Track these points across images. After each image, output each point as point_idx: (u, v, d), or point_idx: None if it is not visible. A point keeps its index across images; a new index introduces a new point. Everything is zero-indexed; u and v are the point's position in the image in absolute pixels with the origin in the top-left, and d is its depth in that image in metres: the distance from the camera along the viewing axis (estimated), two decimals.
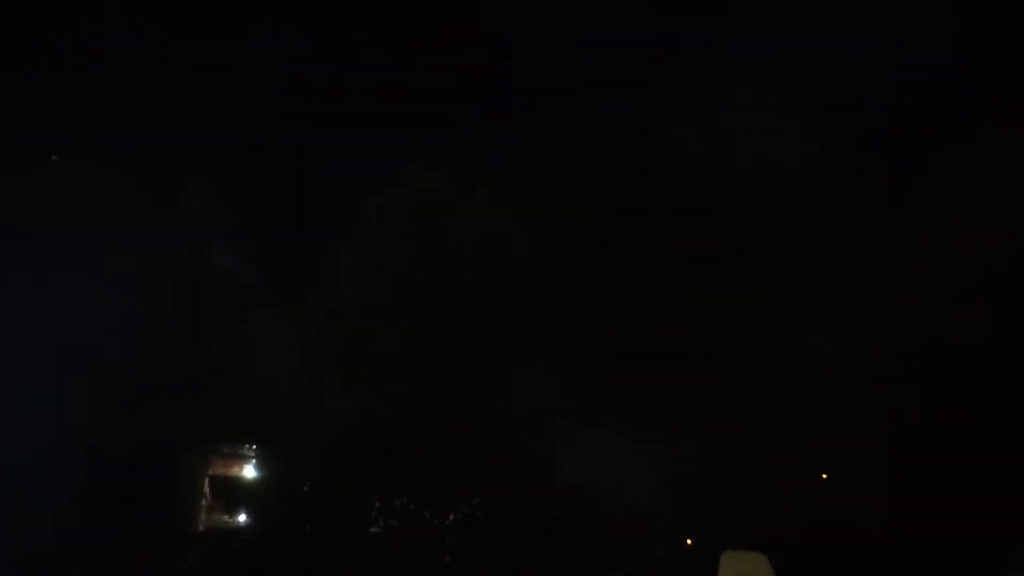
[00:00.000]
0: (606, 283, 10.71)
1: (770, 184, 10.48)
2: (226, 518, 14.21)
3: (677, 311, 9.65)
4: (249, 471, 16.69)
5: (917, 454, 8.76)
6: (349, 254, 11.74)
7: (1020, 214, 8.92)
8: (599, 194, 11.09)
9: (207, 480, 17.64)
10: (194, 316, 14.21)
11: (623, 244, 10.68)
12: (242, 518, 12.26)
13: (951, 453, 8.58)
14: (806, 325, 9.50)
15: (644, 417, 9.49)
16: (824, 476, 9.31)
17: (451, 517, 11.54)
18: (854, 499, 8.85)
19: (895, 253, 9.58)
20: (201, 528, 16.85)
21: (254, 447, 16.00)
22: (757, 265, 9.84)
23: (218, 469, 17.87)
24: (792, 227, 9.86)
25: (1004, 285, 8.76)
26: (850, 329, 9.30)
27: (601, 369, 9.95)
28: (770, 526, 7.75)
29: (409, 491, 11.46)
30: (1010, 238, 8.89)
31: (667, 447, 9.21)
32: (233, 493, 13.63)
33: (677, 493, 9.23)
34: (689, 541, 9.42)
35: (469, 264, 11.35)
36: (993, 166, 9.23)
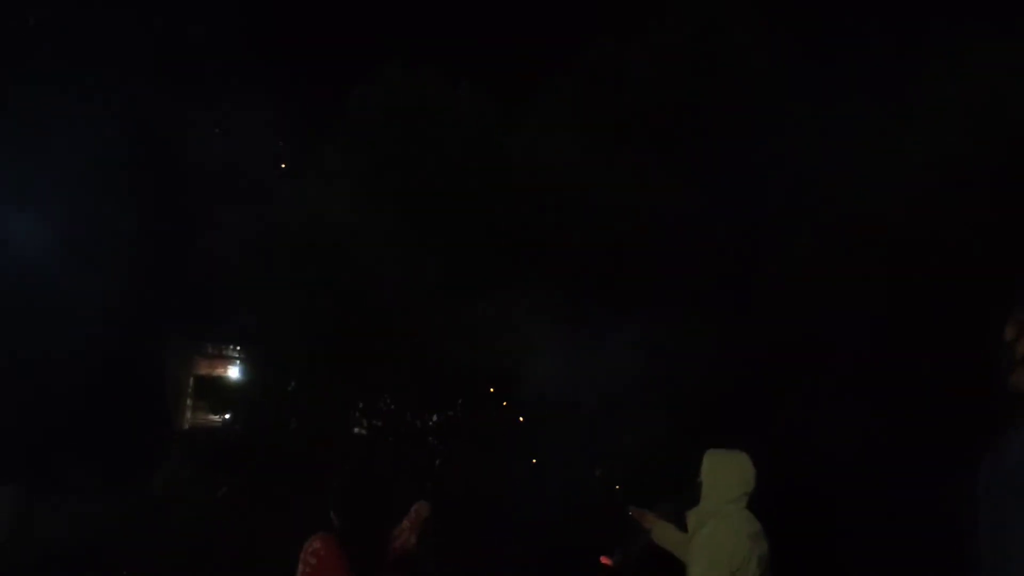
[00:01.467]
0: (593, 188, 10.64)
1: (755, 78, 10.37)
2: (211, 417, 14.37)
3: (662, 214, 9.61)
4: (233, 372, 16.84)
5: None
6: (331, 153, 11.64)
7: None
8: (586, 96, 10.96)
9: (191, 380, 17.81)
10: (178, 214, 14.16)
11: (612, 147, 10.59)
12: (227, 417, 12.36)
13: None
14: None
15: (628, 320, 9.54)
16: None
17: (434, 419, 11.67)
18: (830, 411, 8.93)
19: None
20: (186, 427, 17.08)
21: (238, 348, 16.12)
22: (744, 162, 9.76)
23: (203, 369, 18.03)
24: (778, 126, 9.75)
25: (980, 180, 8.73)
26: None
27: (587, 273, 9.97)
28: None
29: (392, 393, 11.56)
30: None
31: (649, 353, 9.27)
32: (218, 393, 13.73)
33: (655, 392, 9.31)
34: None
35: (453, 167, 11.25)
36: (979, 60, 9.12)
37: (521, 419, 10.47)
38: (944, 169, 8.78)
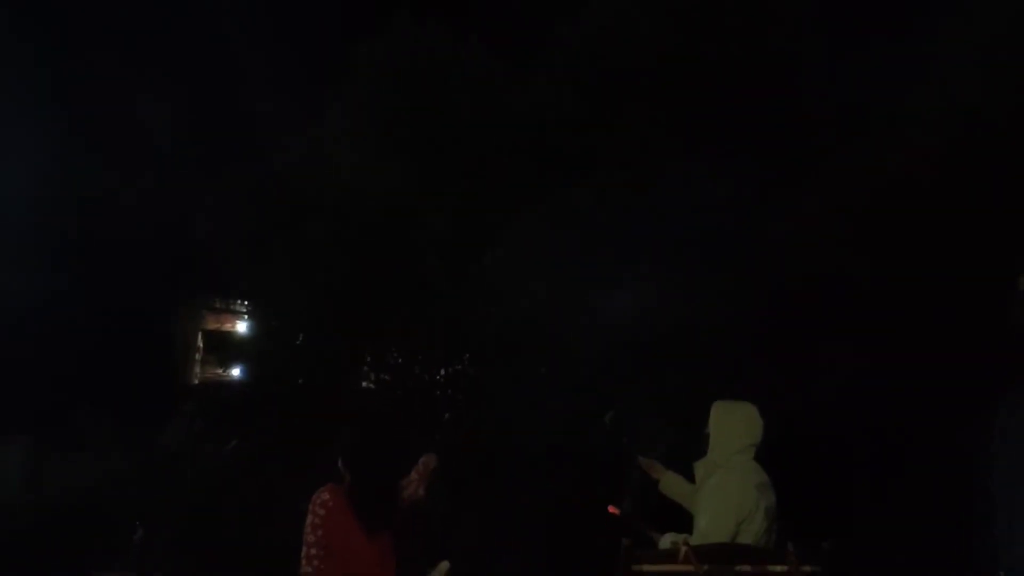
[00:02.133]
0: (601, 141, 10.57)
1: (763, 29, 10.23)
2: (220, 371, 14.45)
3: (670, 165, 9.53)
4: (241, 327, 16.89)
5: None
6: (338, 107, 11.57)
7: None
8: (593, 50, 10.82)
9: (200, 335, 17.89)
10: (186, 169, 14.13)
11: (618, 102, 10.50)
12: (235, 371, 12.42)
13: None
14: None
15: (636, 270, 9.54)
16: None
17: (442, 372, 11.69)
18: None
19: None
20: (195, 381, 17.18)
21: (246, 302, 16.15)
22: (754, 114, 9.66)
23: (211, 324, 18.10)
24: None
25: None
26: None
27: (592, 224, 9.92)
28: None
29: (400, 346, 11.57)
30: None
31: (659, 302, 9.26)
32: (226, 348, 13.80)
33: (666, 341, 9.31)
34: None
35: (460, 121, 11.18)
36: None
37: (528, 371, 10.47)
38: (960, 117, 8.66)
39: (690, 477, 5.14)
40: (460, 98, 11.20)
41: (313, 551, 5.21)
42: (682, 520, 4.91)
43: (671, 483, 5.26)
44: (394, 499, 5.31)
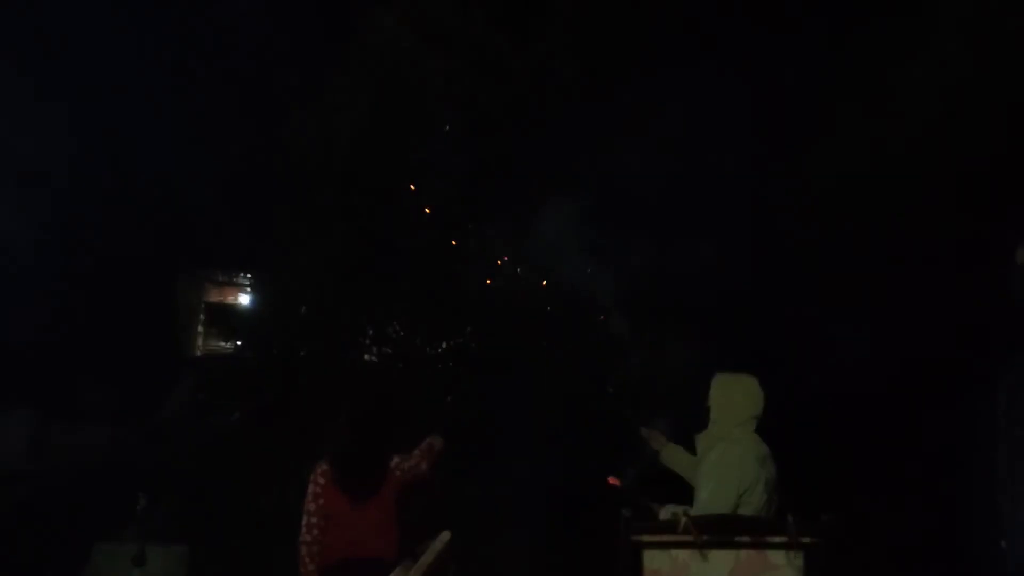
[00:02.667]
0: (602, 111, 10.53)
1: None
2: (222, 344, 14.42)
3: (671, 133, 9.51)
4: (244, 298, 16.87)
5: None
6: (342, 77, 11.48)
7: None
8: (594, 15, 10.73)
9: (202, 307, 17.87)
10: (188, 138, 14.06)
11: (619, 70, 10.44)
12: (237, 344, 12.39)
13: None
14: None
15: (640, 238, 9.54)
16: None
17: (444, 346, 11.68)
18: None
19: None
20: (198, 353, 17.18)
21: (248, 275, 16.12)
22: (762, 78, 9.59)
23: (213, 297, 18.06)
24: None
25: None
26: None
27: (594, 194, 9.90)
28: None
29: (402, 320, 11.56)
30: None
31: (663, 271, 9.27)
32: (229, 320, 13.76)
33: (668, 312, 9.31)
34: None
35: (463, 90, 11.12)
36: None
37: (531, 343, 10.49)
38: (958, 85, 8.61)
39: (692, 450, 5.15)
40: (464, 68, 11.14)
41: (314, 520, 5.30)
42: (683, 492, 4.93)
43: (673, 454, 5.28)
44: (380, 470, 5.36)
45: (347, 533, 5.21)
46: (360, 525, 5.22)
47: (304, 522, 5.31)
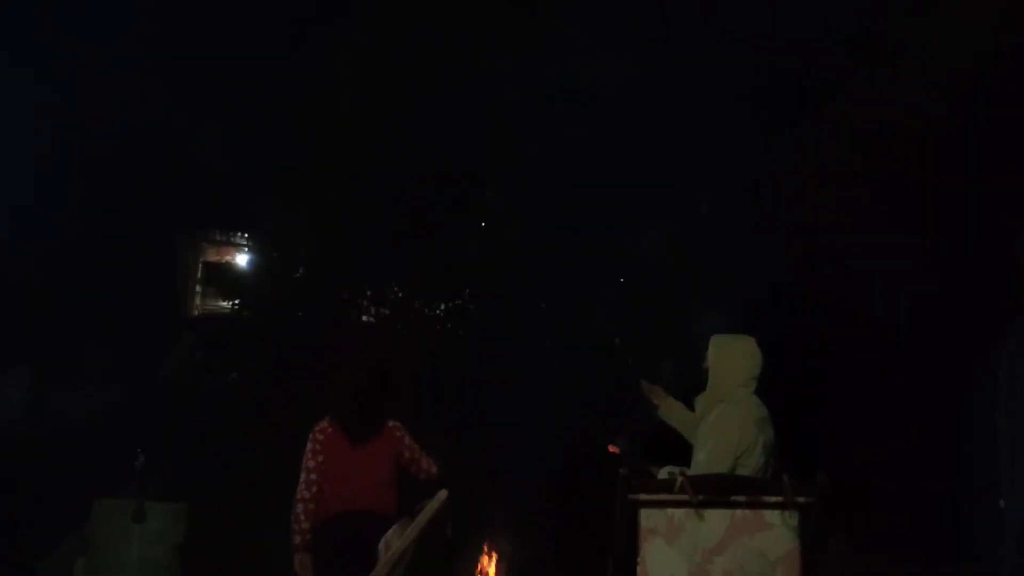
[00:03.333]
0: (607, 76, 10.44)
1: None
2: (220, 304, 14.40)
3: (675, 101, 9.44)
4: (242, 258, 16.85)
5: None
6: (343, 37, 11.39)
7: None
8: None
9: (200, 267, 17.86)
10: (186, 99, 13.97)
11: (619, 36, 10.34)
12: (235, 304, 12.38)
13: None
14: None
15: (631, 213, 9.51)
16: None
17: (442, 307, 11.68)
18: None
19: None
20: (196, 313, 17.19)
21: (246, 235, 16.08)
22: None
23: (211, 256, 18.06)
24: None
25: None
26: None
27: (596, 164, 9.85)
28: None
29: (400, 281, 11.55)
30: None
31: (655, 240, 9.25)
32: (226, 279, 13.74)
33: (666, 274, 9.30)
34: None
35: (463, 54, 11.03)
36: None
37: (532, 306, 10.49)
38: (969, 49, 8.53)
39: (692, 408, 5.15)
40: (464, 32, 11.04)
41: (313, 476, 5.31)
42: (683, 459, 4.93)
43: (672, 410, 5.27)
44: (379, 423, 5.40)
45: (345, 488, 5.22)
46: (358, 480, 5.24)
47: (303, 479, 5.32)
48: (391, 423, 5.46)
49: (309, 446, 5.38)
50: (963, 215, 8.30)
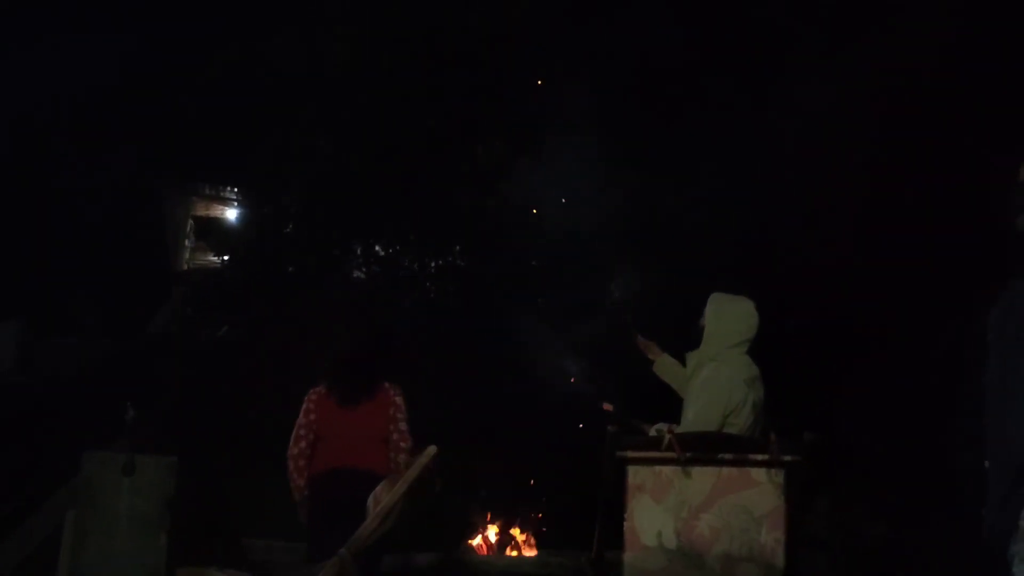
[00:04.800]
0: (600, 35, 10.36)
1: None
2: (210, 258, 14.37)
3: (676, 63, 9.38)
4: (231, 213, 16.79)
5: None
6: None
7: None
8: None
9: (190, 221, 17.79)
10: (176, 52, 13.83)
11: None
12: (225, 259, 12.36)
13: None
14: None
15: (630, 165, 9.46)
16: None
17: (432, 265, 11.66)
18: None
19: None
20: (185, 267, 17.16)
21: (235, 189, 16.00)
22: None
23: (200, 210, 17.98)
24: None
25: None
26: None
27: (592, 117, 9.79)
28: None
29: (390, 238, 11.51)
30: None
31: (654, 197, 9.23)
32: (216, 234, 13.70)
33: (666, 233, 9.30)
34: None
35: (454, 8, 10.93)
36: None
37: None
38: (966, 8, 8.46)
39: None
40: None
41: (302, 432, 5.37)
42: (675, 415, 4.96)
43: (666, 365, 5.32)
44: (374, 384, 5.43)
45: (336, 444, 5.27)
46: (350, 437, 5.28)
47: (293, 434, 5.37)
48: (386, 384, 5.49)
49: (303, 406, 5.44)
50: (953, 169, 8.29)
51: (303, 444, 5.36)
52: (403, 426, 5.42)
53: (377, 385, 5.43)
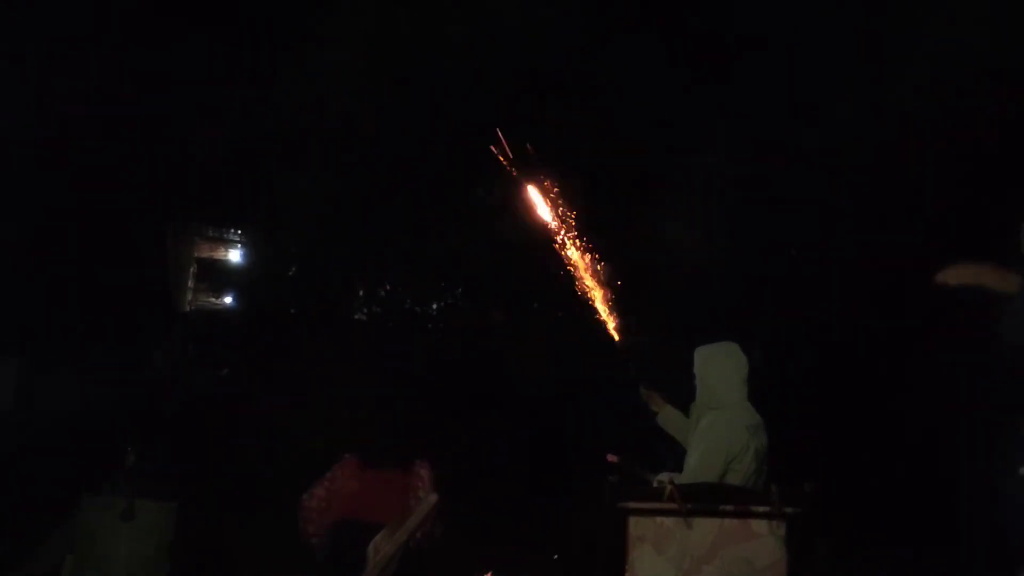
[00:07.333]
0: (599, 65, 10.42)
1: None
2: (212, 299, 14.41)
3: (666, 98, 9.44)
4: (235, 254, 16.81)
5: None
6: (331, 28, 11.34)
7: None
8: None
9: (193, 262, 17.80)
10: (178, 93, 13.89)
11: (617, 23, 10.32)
12: (228, 300, 12.41)
13: None
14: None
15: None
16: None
17: (435, 306, 11.69)
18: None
19: None
20: (188, 308, 17.13)
21: (239, 231, 16.04)
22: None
23: (204, 252, 17.99)
24: None
25: None
26: None
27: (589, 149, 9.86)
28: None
29: (393, 280, 11.56)
30: None
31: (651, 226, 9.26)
32: (219, 275, 13.76)
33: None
34: None
35: (455, 49, 11.01)
36: None
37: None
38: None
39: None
40: (457, 27, 11.02)
41: (321, 492, 5.33)
42: (680, 466, 4.96)
43: (669, 416, 5.33)
44: (404, 465, 5.43)
45: (353, 504, 5.27)
46: (367, 496, 5.28)
47: (311, 489, 5.38)
48: (418, 463, 5.48)
49: (329, 473, 5.47)
50: (952, 218, 8.30)
51: (315, 501, 5.37)
52: (422, 494, 5.41)
53: (406, 460, 5.44)
